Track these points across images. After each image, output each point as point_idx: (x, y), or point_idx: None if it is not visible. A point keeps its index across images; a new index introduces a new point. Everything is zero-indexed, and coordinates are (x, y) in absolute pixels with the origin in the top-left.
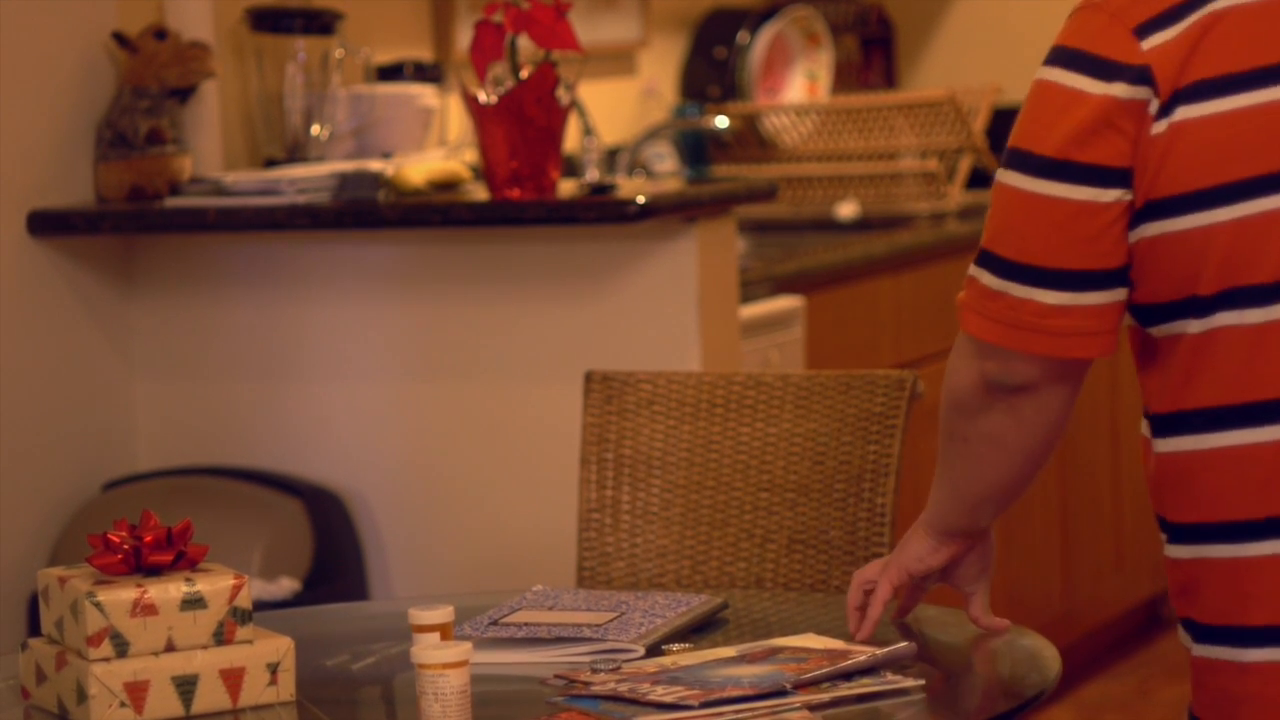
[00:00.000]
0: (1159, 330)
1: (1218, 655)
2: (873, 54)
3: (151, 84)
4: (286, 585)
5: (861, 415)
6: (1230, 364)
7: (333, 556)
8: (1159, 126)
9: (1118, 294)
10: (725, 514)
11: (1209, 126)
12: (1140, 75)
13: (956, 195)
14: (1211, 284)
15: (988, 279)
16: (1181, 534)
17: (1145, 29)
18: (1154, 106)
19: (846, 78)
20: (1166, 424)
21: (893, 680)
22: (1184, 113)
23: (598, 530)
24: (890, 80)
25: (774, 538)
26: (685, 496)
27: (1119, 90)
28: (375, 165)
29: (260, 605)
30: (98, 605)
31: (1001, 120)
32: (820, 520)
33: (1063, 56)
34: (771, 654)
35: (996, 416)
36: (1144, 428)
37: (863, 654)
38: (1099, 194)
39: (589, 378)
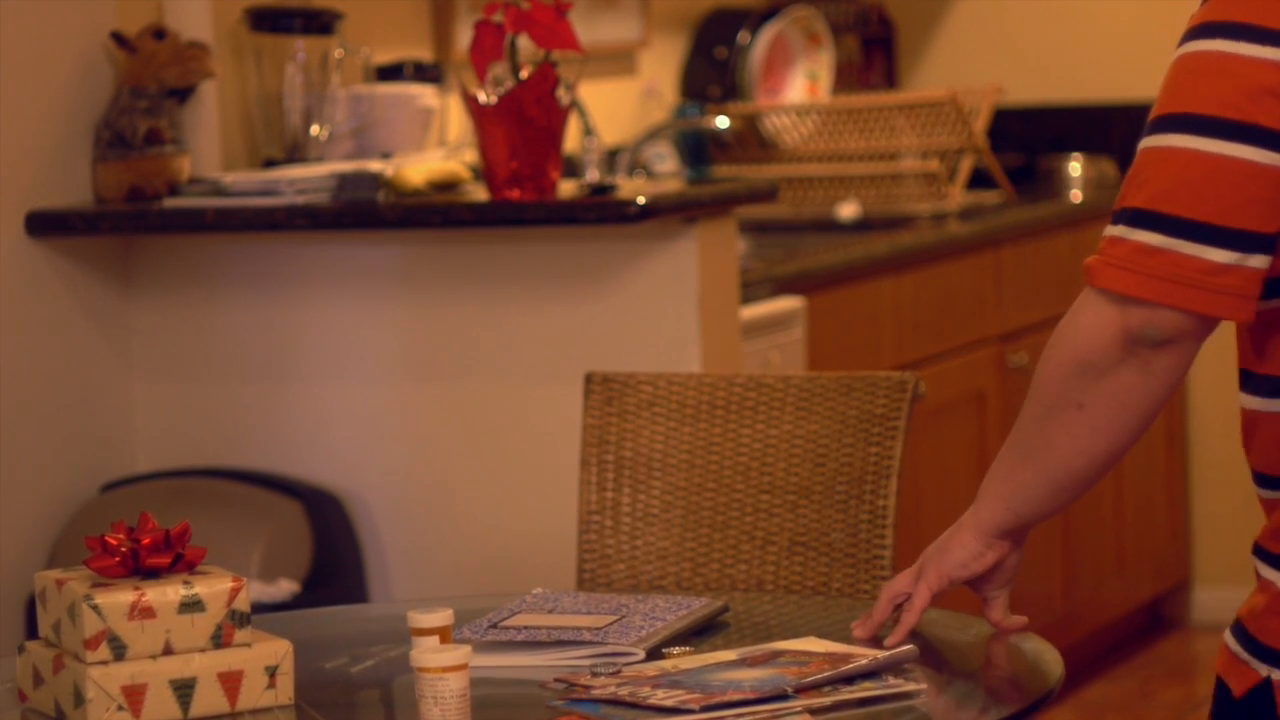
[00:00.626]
0: None
1: None
2: (874, 54)
3: (150, 84)
4: (285, 587)
5: (863, 417)
6: None
7: (332, 558)
8: None
9: (1269, 260)
10: (726, 516)
11: None
12: None
13: (958, 196)
14: None
15: (1148, 237)
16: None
17: None
18: None
19: (847, 78)
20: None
21: (895, 684)
22: None
23: (598, 532)
24: (891, 80)
25: (775, 540)
26: (686, 498)
27: None
28: (375, 166)
29: (259, 607)
30: (95, 608)
31: (1002, 121)
32: (821, 522)
33: (1218, 29)
34: (773, 657)
35: (1127, 374)
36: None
37: (864, 657)
38: (1275, 158)
39: (589, 379)
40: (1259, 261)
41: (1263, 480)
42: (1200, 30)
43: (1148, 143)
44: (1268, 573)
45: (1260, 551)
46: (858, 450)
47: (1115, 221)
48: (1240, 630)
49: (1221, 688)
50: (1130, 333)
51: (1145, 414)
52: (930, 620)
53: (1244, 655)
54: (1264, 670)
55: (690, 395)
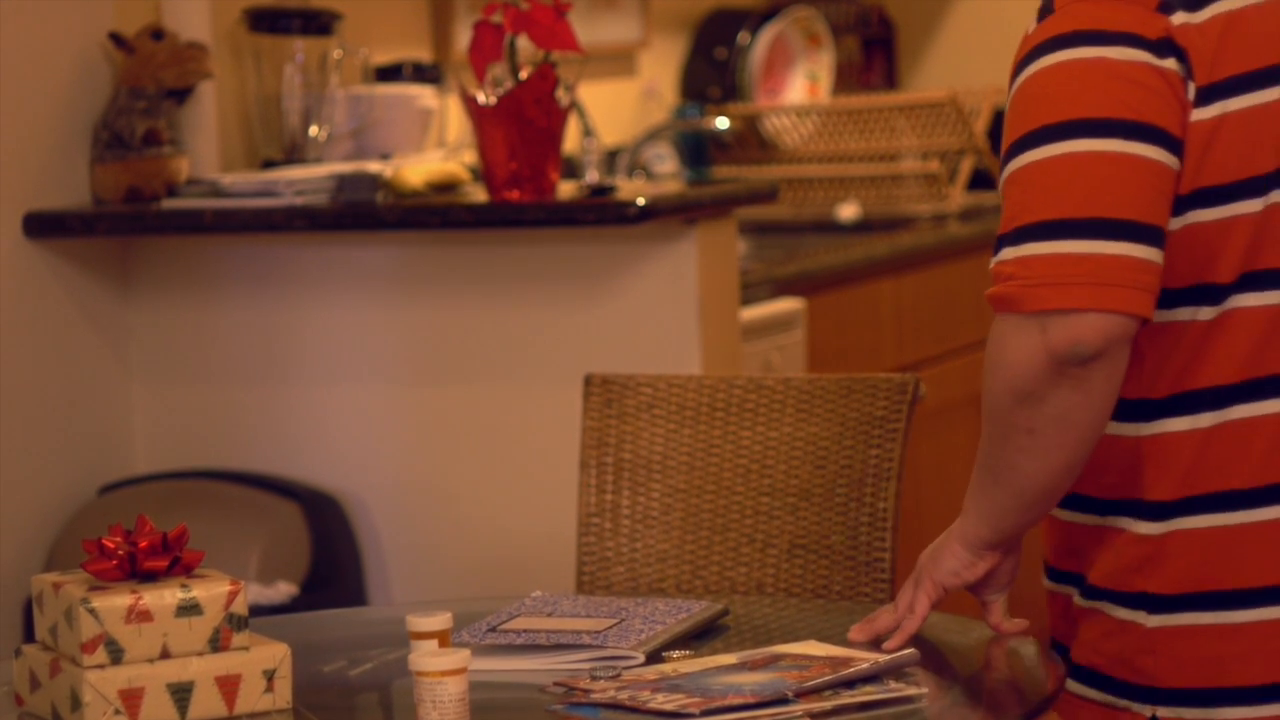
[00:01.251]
0: (1163, 316)
1: (1194, 621)
2: (874, 55)
3: (148, 85)
4: (284, 589)
5: (863, 419)
6: (1245, 343)
7: (330, 560)
8: (1201, 114)
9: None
10: (726, 519)
11: (1241, 121)
12: (1177, 52)
13: (958, 197)
14: (1230, 271)
15: (1067, 245)
16: (1160, 510)
17: (1168, 6)
18: (1191, 91)
19: (847, 79)
20: (1161, 407)
21: (895, 688)
22: (1223, 106)
23: (597, 535)
24: (891, 81)
25: (775, 543)
26: (685, 501)
27: (1170, 64)
28: (374, 167)
29: (257, 610)
30: (92, 612)
31: (1003, 121)
32: (821, 525)
33: (1077, 38)
34: (773, 661)
35: (1065, 394)
36: (1116, 420)
37: (865, 661)
38: (1168, 157)
39: (589, 381)
40: (1162, 258)
41: (1192, 505)
42: (1055, 43)
43: (1032, 156)
44: (1124, 613)
45: (1107, 594)
46: (858, 453)
47: (1015, 242)
48: (1101, 679)
49: None
50: (1057, 355)
51: (1096, 425)
52: (931, 624)
53: (1120, 702)
54: (1147, 711)
55: (690, 397)
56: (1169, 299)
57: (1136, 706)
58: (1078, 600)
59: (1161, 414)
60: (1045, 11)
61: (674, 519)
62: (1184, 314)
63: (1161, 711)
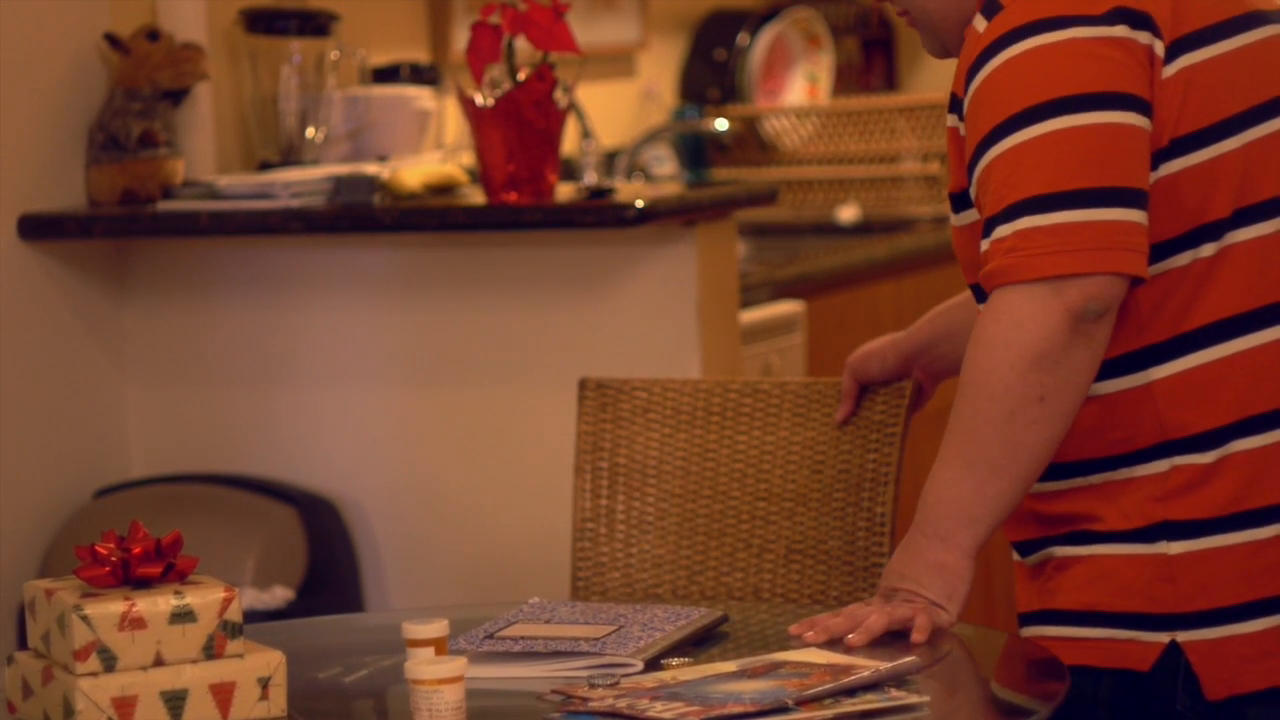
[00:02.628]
0: (1159, 266)
1: (1225, 542)
2: (874, 56)
3: (144, 86)
4: (280, 594)
5: (860, 423)
6: (1243, 276)
7: (327, 565)
8: (1169, 70)
9: None
10: (722, 524)
11: (1209, 69)
12: (1142, 20)
13: None
14: (1225, 207)
15: (1058, 217)
16: (1205, 441)
17: None
18: (1159, 49)
19: (847, 80)
20: (1165, 350)
21: (897, 696)
22: (1189, 58)
23: (592, 540)
24: (891, 82)
25: (771, 548)
26: (681, 506)
27: (1121, 31)
28: (371, 168)
29: (253, 614)
30: (85, 619)
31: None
32: (819, 530)
33: (1048, 24)
34: (773, 669)
35: (1077, 353)
36: (1112, 378)
37: (866, 669)
38: (1143, 120)
39: (583, 385)
40: (1147, 220)
41: (1227, 433)
42: (1013, 35)
43: (1014, 140)
44: (1135, 548)
45: (1112, 536)
46: (855, 457)
47: (1010, 218)
48: (1102, 616)
49: (1101, 675)
50: (1074, 311)
51: (1088, 385)
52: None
53: (1124, 634)
54: (1164, 637)
55: (685, 401)
56: (1168, 247)
57: (1147, 635)
58: (1061, 552)
59: (1171, 355)
60: (992, 9)
61: (670, 524)
62: (1184, 258)
63: (1181, 636)
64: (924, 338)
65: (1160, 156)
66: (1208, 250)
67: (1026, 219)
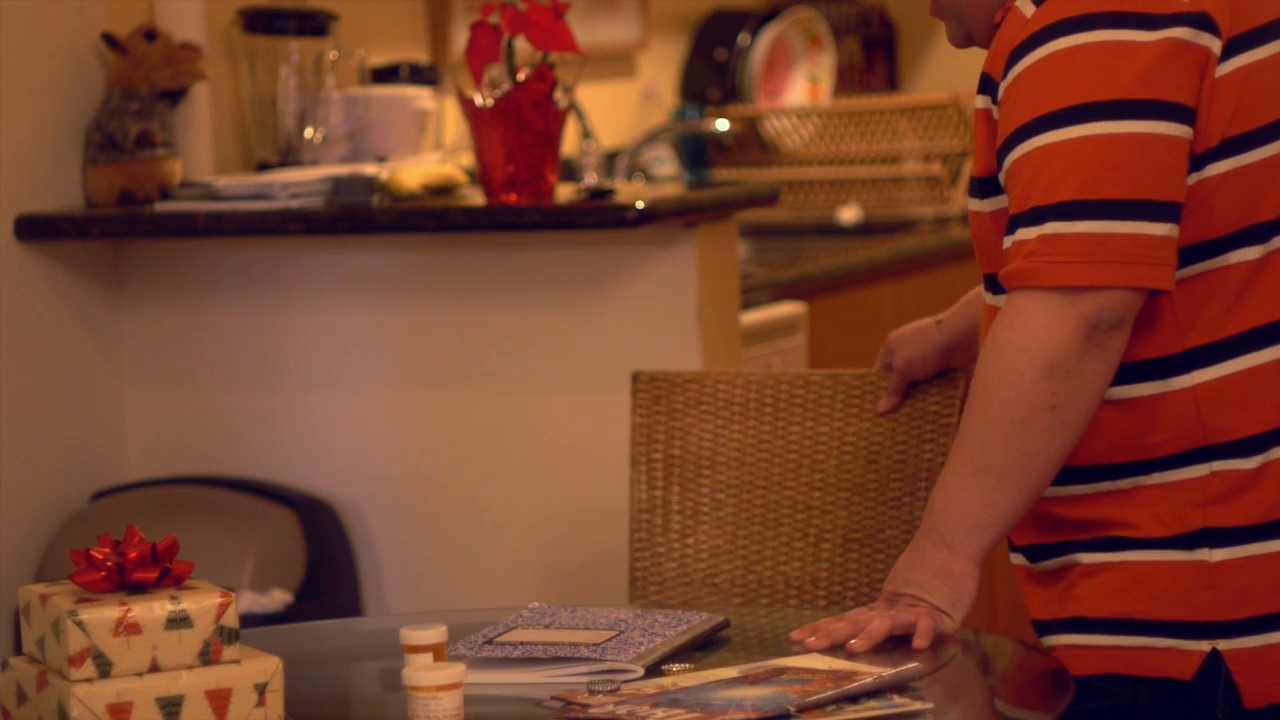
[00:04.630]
0: (1202, 267)
1: (1271, 549)
2: (875, 56)
3: (142, 86)
4: (278, 597)
5: (915, 414)
6: None
7: (325, 568)
8: (1226, 68)
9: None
10: (778, 513)
11: (1264, 69)
12: (1204, 22)
13: (960, 199)
14: (1273, 209)
15: (1087, 226)
16: (1249, 447)
17: None
18: (1217, 49)
19: (848, 80)
20: (1208, 354)
21: (900, 703)
22: (1245, 58)
23: (648, 531)
24: (892, 83)
25: (828, 537)
26: (737, 496)
27: (1180, 33)
28: (370, 169)
29: (251, 618)
30: (80, 624)
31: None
32: (876, 519)
33: (1086, 22)
34: (775, 675)
35: (1090, 364)
36: (1153, 381)
37: (869, 675)
38: (1182, 130)
39: (636, 378)
40: (1177, 231)
41: (1273, 438)
42: (1061, 27)
43: (1047, 139)
44: (1174, 555)
45: (1148, 543)
46: (911, 447)
47: (1035, 221)
48: (1136, 625)
49: (1140, 684)
50: (1088, 321)
51: (1102, 395)
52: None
53: (1163, 643)
54: (1205, 645)
55: (737, 393)
56: (1214, 247)
57: (1188, 644)
58: (1087, 559)
59: (1215, 359)
60: None
61: (726, 514)
62: (1231, 259)
63: (1222, 644)
64: (960, 329)
65: (1211, 156)
66: (1254, 253)
67: (1052, 224)
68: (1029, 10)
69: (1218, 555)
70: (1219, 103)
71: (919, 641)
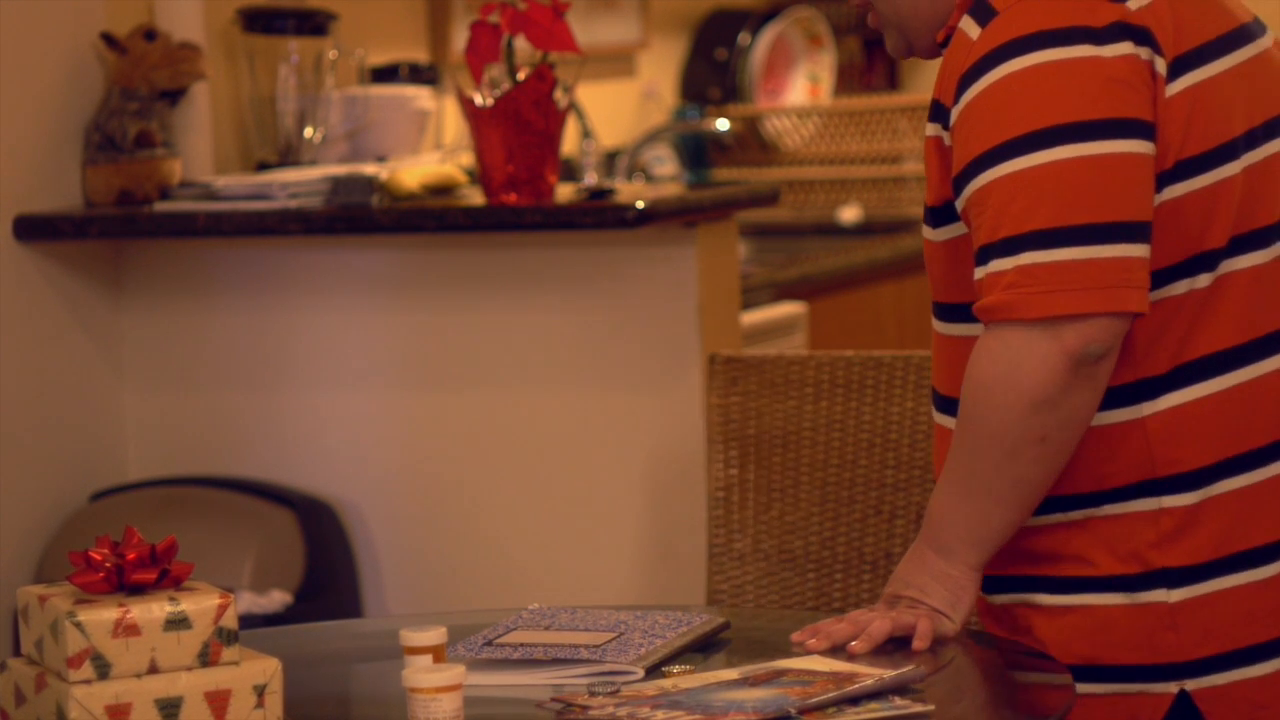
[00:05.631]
0: (1156, 295)
1: (1222, 586)
2: (875, 55)
3: (141, 86)
4: (278, 598)
5: None
6: (1238, 306)
7: (325, 568)
8: (1173, 88)
9: None
10: (851, 491)
11: (1211, 89)
12: (1143, 36)
13: None
14: (1222, 235)
15: (1060, 254)
16: (1189, 481)
17: None
18: (1161, 66)
19: (849, 80)
20: (1165, 382)
21: (901, 705)
22: (1192, 77)
23: (725, 508)
24: (893, 82)
25: (902, 513)
26: (811, 475)
27: (1125, 48)
28: (369, 169)
29: (251, 619)
30: (78, 625)
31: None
32: None
33: (1034, 41)
34: (775, 676)
35: (1079, 395)
36: (1106, 410)
37: (870, 677)
38: (1149, 146)
39: (713, 360)
40: (1149, 250)
41: (1217, 470)
42: (1010, 48)
43: (1013, 165)
44: (1136, 596)
45: (1110, 582)
46: None
47: (1009, 252)
48: (1103, 671)
49: None
50: (1074, 356)
51: (1091, 418)
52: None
53: (1132, 687)
54: (1173, 687)
55: (810, 375)
56: (1166, 275)
57: (1155, 686)
58: (1046, 600)
59: (1166, 389)
60: (985, 14)
61: (801, 492)
62: (1180, 287)
63: (1190, 684)
64: None
65: (1164, 179)
66: (1203, 280)
67: (1028, 254)
68: (974, 32)
69: (1176, 596)
70: (1170, 123)
71: (918, 643)
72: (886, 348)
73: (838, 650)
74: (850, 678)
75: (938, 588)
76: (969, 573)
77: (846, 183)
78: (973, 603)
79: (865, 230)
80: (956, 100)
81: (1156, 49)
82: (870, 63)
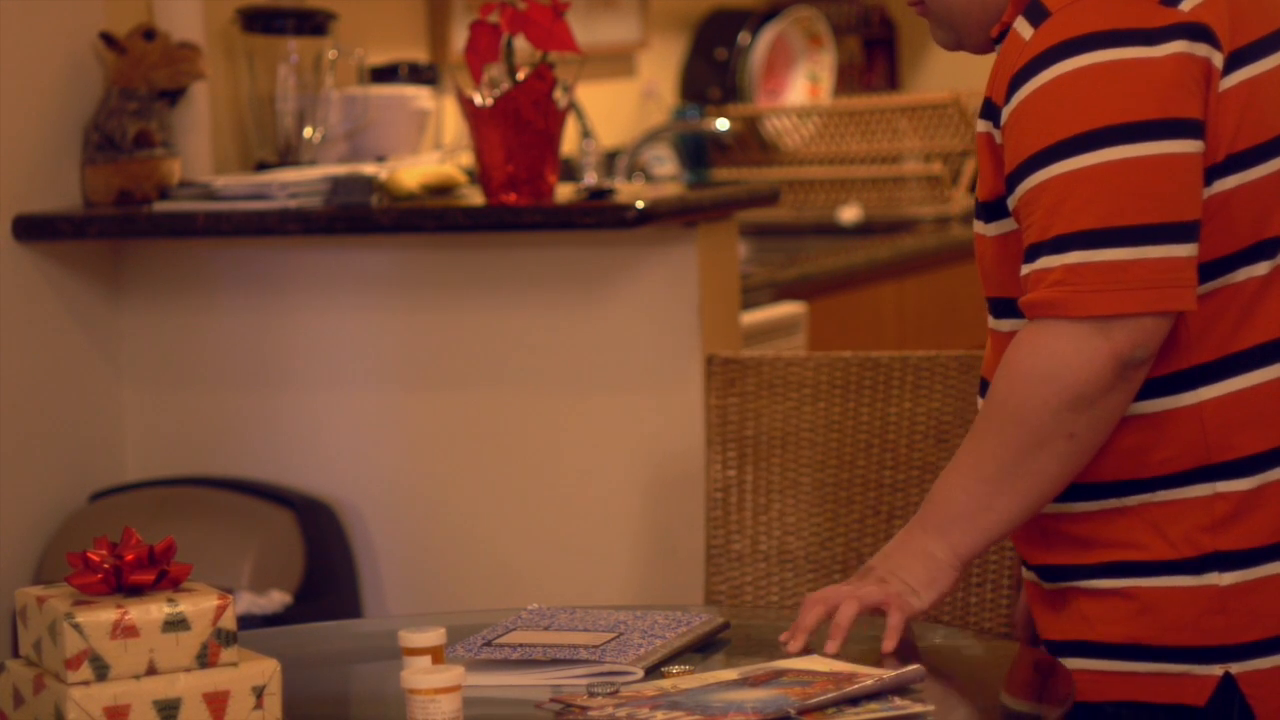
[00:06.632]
0: (1210, 285)
1: (1277, 570)
2: (875, 55)
3: (140, 85)
4: (277, 598)
5: None
6: None
7: (324, 569)
8: (1229, 81)
9: None
10: (849, 492)
11: (1267, 83)
12: (1202, 33)
13: (960, 199)
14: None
15: (1114, 253)
16: (1246, 467)
17: None
18: (1218, 61)
19: (849, 79)
20: (1216, 370)
21: (901, 705)
22: (1247, 71)
23: (724, 509)
24: (893, 82)
25: (901, 514)
26: (810, 475)
27: (1182, 46)
28: (369, 169)
29: (250, 619)
30: (76, 627)
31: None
32: None
33: (1090, 41)
34: (775, 677)
35: (1117, 396)
36: (1160, 397)
37: (870, 678)
38: (1198, 145)
39: (710, 361)
40: (1198, 249)
41: (1274, 457)
42: (1065, 49)
43: (1065, 166)
44: (1183, 580)
45: (1157, 567)
46: None
47: (1059, 250)
48: (1148, 651)
49: (1154, 711)
50: (1121, 358)
51: (1116, 423)
52: (937, 637)
53: (1176, 668)
54: (1217, 670)
55: (808, 376)
56: (1223, 264)
57: (1201, 668)
58: (1097, 584)
59: (1222, 375)
60: (1038, 14)
61: (800, 493)
62: (1239, 275)
63: (1235, 667)
64: None
65: (1215, 172)
66: (1262, 269)
67: (1076, 253)
68: (1027, 32)
69: (1227, 579)
70: (1223, 117)
71: (887, 644)
72: (886, 348)
73: (825, 637)
74: (850, 678)
75: (916, 565)
76: (952, 556)
77: (846, 183)
78: (949, 589)
79: (865, 230)
80: (1008, 99)
81: (1215, 44)
82: (870, 63)
